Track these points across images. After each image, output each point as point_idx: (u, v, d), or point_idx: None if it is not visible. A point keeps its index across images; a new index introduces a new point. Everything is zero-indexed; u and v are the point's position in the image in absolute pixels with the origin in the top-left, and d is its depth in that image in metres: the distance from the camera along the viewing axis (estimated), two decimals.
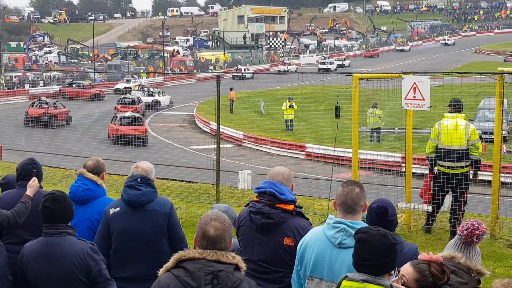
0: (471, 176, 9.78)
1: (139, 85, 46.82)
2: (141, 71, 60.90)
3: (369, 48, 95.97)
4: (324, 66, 70.44)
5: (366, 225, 3.48)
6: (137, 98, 35.64)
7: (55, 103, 29.26)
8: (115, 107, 32.97)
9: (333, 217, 3.73)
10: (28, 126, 25.62)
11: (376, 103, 25.47)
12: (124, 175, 13.35)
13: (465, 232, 3.48)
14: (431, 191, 9.79)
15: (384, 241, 2.98)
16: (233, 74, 51.99)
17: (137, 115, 28.35)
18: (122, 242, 4.71)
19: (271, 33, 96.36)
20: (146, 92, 41.48)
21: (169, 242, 4.73)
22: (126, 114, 27.77)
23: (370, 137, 25.79)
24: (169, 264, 3.22)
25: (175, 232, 4.76)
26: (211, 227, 3.22)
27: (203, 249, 3.21)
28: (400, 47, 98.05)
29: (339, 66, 72.97)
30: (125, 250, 4.71)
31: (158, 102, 38.85)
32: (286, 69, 70.16)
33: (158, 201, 4.78)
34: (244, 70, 61.69)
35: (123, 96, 35.20)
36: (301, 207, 4.44)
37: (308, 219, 4.40)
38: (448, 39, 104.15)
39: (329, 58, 78.29)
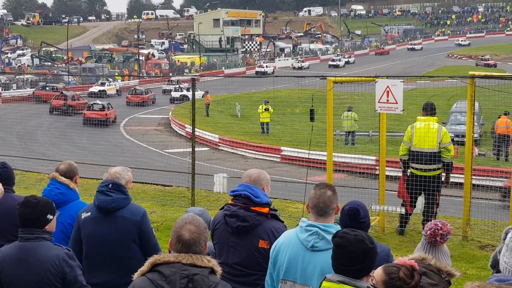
0: (443, 179, 9.94)
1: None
2: (116, 74, 60.47)
3: (379, 46, 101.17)
4: (334, 63, 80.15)
5: (339, 227, 3.51)
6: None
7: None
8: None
9: (306, 220, 3.75)
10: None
11: (351, 107, 25.65)
12: (99, 179, 13.25)
13: (428, 232, 3.54)
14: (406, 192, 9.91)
15: (361, 247, 3.01)
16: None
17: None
18: (91, 247, 4.68)
19: (246, 37, 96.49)
20: (175, 88, 46.31)
21: (142, 250, 4.69)
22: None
23: (345, 140, 25.97)
24: (144, 268, 3.21)
25: (147, 240, 4.73)
26: (186, 231, 3.22)
27: (178, 252, 3.21)
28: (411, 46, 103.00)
29: (346, 63, 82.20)
30: (94, 255, 4.68)
31: (186, 97, 40.27)
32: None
33: (129, 208, 4.74)
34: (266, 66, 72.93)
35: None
36: (276, 210, 4.46)
37: (283, 222, 4.42)
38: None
39: (338, 55, 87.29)
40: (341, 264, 3.05)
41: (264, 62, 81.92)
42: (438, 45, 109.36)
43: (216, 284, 3.17)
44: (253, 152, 24.62)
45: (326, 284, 3.08)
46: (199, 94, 33.92)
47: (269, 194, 4.47)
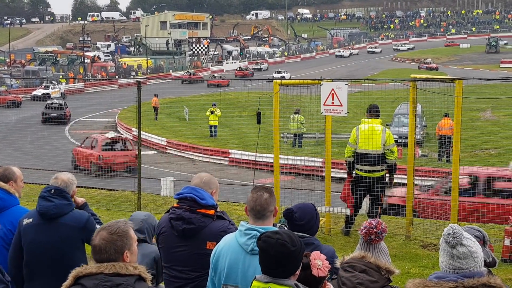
0: (387, 180, 10.14)
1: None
2: (61, 76, 59.22)
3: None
4: (340, 53, 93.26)
5: (275, 229, 3.54)
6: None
7: None
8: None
9: (245, 224, 3.77)
10: None
11: (298, 109, 25.84)
12: (42, 184, 12.97)
13: (363, 231, 3.62)
14: (351, 194, 10.06)
15: (282, 251, 3.09)
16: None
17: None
18: (32, 254, 4.58)
19: (194, 40, 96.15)
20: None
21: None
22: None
23: (292, 142, 26.17)
24: (67, 282, 3.11)
25: None
26: (98, 237, 3.14)
27: (96, 261, 3.12)
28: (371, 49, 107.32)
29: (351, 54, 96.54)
30: (34, 262, 4.58)
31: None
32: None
33: (73, 214, 4.66)
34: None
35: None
36: (223, 212, 4.45)
37: (229, 220, 4.40)
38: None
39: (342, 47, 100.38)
40: (265, 266, 3.15)
41: (212, 65, 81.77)
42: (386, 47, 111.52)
43: None
44: (201, 155, 24.55)
45: (255, 283, 3.18)
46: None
47: (216, 200, 4.46)
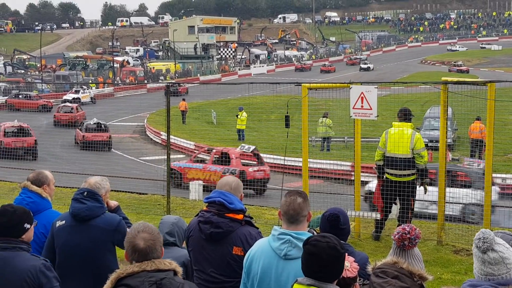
0: (419, 184, 9.99)
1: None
2: (90, 81, 59.92)
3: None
4: (366, 65, 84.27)
5: (310, 235, 3.50)
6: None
7: None
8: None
9: (278, 229, 3.74)
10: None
11: (327, 113, 25.73)
12: (73, 188, 13.12)
13: (396, 236, 3.56)
14: (381, 198, 9.96)
15: (333, 254, 3.08)
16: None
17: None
18: (65, 256, 4.63)
19: (221, 44, 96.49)
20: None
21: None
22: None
23: (320, 146, 26.05)
24: (108, 285, 3.16)
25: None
26: (140, 240, 3.21)
27: (136, 262, 3.19)
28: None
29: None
30: (66, 264, 4.63)
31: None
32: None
33: (104, 217, 4.70)
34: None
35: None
36: (251, 217, 4.44)
37: (257, 228, 4.40)
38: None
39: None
40: (311, 269, 3.11)
41: (239, 69, 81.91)
42: (415, 50, 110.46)
43: (183, 284, 3.20)
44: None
45: (297, 286, 3.14)
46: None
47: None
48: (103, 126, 28.21)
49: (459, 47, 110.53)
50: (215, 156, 19.50)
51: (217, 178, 18.00)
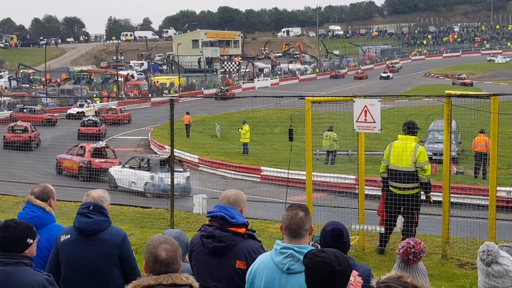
0: (423, 197, 9.95)
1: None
2: (94, 95, 60.14)
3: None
4: (386, 74, 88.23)
5: (313, 248, 3.49)
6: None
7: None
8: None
9: (280, 243, 3.73)
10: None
11: (332, 126, 25.72)
12: (76, 202, 13.12)
13: (401, 251, 3.55)
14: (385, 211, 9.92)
15: (327, 269, 3.03)
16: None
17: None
18: (70, 270, 4.62)
19: (225, 57, 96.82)
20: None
21: (123, 274, 4.65)
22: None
23: (325, 159, 26.02)
24: None
25: (128, 263, 4.69)
26: (162, 250, 3.24)
27: (156, 273, 3.19)
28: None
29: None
30: (72, 278, 4.62)
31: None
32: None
33: (110, 230, 4.71)
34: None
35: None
36: (254, 231, 4.43)
37: (260, 242, 4.39)
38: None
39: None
40: (311, 284, 3.09)
41: (243, 83, 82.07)
42: (418, 64, 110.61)
43: None
44: (233, 172, 24.55)
45: None
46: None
47: (245, 215, 4.44)
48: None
49: (502, 58, 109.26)
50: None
51: (75, 166, 23.08)
